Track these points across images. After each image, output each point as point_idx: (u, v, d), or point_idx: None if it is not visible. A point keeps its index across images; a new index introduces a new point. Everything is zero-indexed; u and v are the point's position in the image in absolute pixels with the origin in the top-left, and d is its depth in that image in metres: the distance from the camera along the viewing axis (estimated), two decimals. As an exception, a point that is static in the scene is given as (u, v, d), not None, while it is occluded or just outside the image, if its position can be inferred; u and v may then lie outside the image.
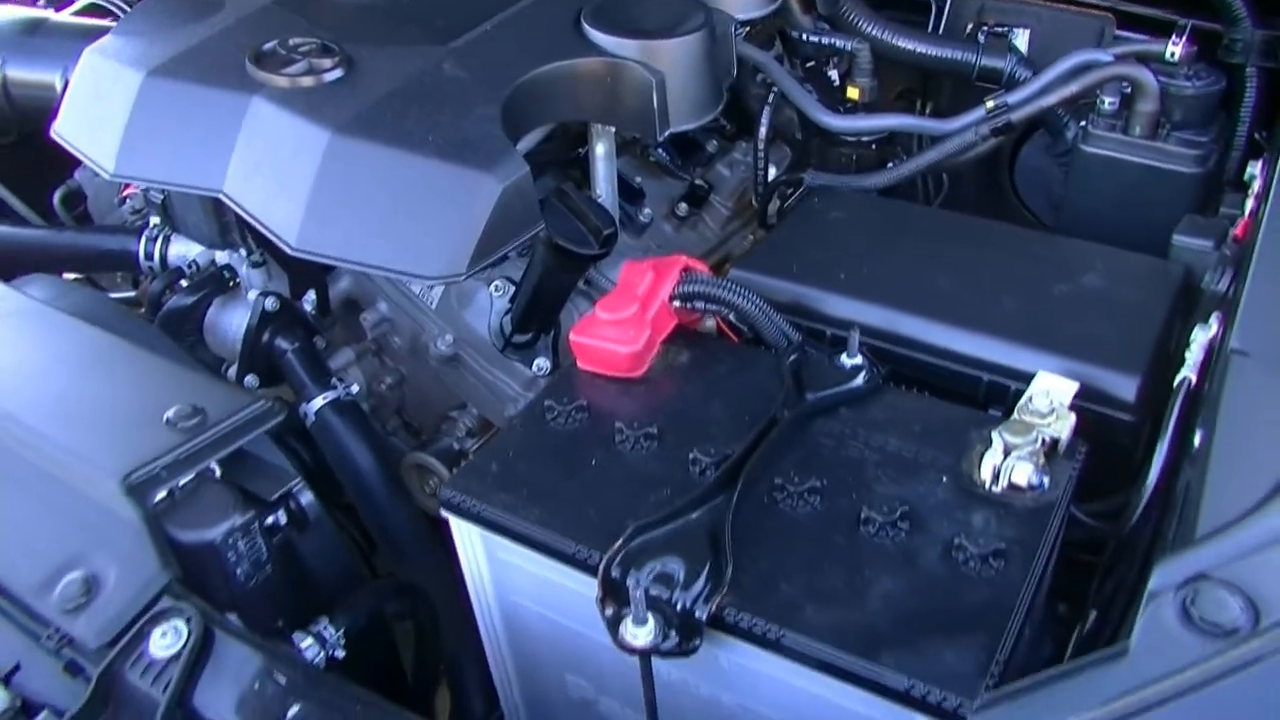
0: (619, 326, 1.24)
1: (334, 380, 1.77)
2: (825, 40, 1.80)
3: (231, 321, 1.87)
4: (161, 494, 1.10)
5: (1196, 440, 1.04)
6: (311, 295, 1.81)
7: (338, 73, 1.48)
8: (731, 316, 1.30)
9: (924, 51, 1.88)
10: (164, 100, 1.53)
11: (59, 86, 1.81)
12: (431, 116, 1.38)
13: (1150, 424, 1.25)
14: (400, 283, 1.78)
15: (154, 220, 1.96)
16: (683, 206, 1.95)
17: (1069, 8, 2.01)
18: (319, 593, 1.23)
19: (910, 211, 1.56)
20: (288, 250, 1.39)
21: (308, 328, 1.83)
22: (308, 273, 1.81)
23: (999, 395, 1.29)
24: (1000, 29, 2.01)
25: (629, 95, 1.49)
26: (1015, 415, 1.13)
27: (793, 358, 1.25)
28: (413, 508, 1.70)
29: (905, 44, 1.88)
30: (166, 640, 0.96)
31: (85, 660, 1.02)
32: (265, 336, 1.80)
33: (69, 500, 1.11)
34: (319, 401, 1.73)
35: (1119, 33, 1.95)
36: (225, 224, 1.72)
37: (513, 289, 1.66)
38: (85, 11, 2.03)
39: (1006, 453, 1.09)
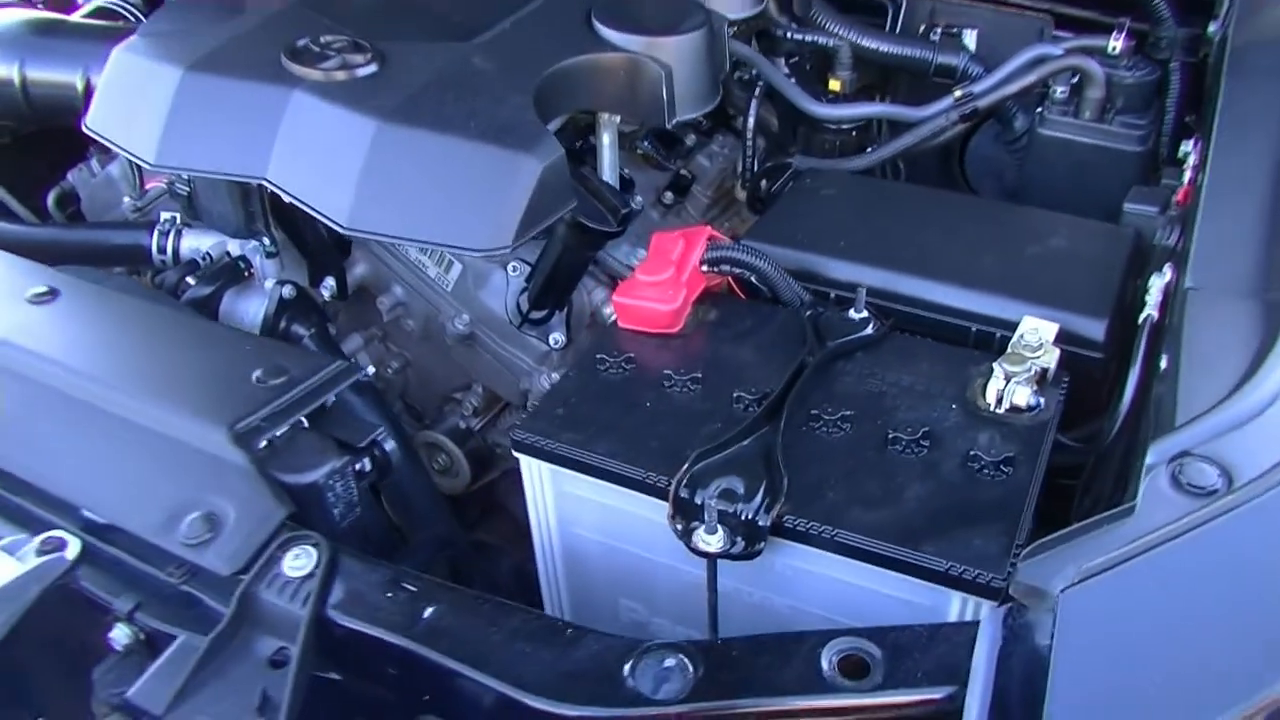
0: (659, 288, 1.39)
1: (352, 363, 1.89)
2: (809, 38, 1.98)
3: (248, 309, 1.96)
4: (263, 443, 1.21)
5: (1163, 364, 1.23)
6: (330, 282, 1.92)
7: (372, 67, 1.60)
8: (753, 278, 1.46)
9: (887, 50, 2.07)
10: (204, 94, 1.63)
11: (80, 86, 1.88)
12: (469, 104, 1.52)
13: (1114, 363, 1.45)
14: (416, 267, 1.90)
15: (165, 215, 2.05)
16: (668, 195, 2.10)
17: (1011, 10, 2.22)
18: (399, 534, 1.35)
19: (893, 188, 1.75)
20: (339, 229, 1.50)
21: (322, 314, 1.94)
22: (326, 260, 1.92)
23: (986, 341, 1.46)
24: (951, 29, 2.21)
25: (642, 87, 1.65)
26: (1010, 350, 1.31)
27: (809, 312, 1.42)
28: (431, 482, 1.82)
29: (869, 43, 2.07)
30: (300, 562, 1.07)
31: (206, 594, 1.13)
32: (283, 323, 1.90)
33: (178, 453, 1.21)
34: (340, 382, 1.84)
35: (1056, 32, 2.18)
36: (251, 213, 1.83)
37: (527, 270, 1.79)
38: (94, 15, 2.11)
39: (1007, 380, 1.27)
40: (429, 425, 2.06)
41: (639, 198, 2.04)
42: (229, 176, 1.64)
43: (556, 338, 1.79)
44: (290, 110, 1.57)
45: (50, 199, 2.38)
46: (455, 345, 1.90)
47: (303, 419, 1.27)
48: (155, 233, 2.02)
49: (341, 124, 1.53)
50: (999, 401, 1.27)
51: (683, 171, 2.11)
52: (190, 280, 1.94)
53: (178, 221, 2.02)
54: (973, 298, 1.48)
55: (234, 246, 1.95)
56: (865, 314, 1.42)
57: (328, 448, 1.23)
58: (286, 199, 1.56)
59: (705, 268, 1.44)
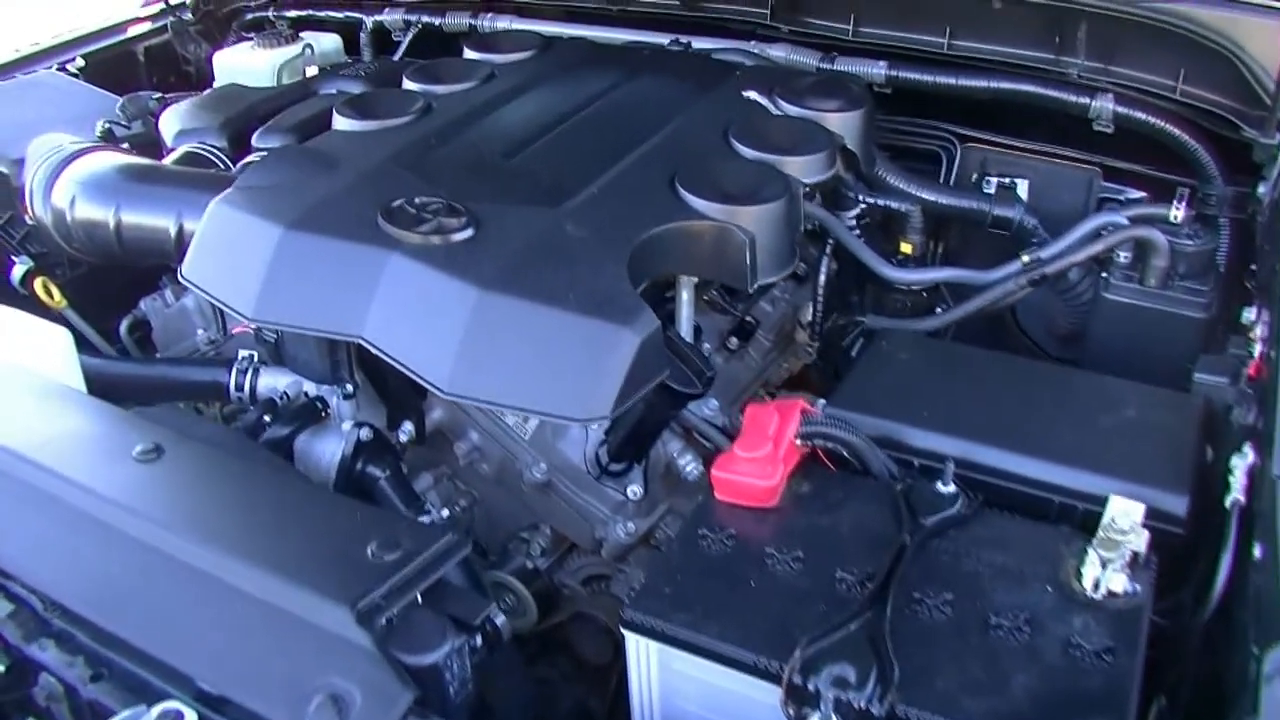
0: (757, 464, 1.44)
1: (426, 506, 1.92)
2: (880, 201, 2.06)
3: (324, 450, 2.00)
4: (382, 621, 1.24)
5: (1257, 552, 1.27)
6: (409, 426, 1.96)
7: (468, 232, 1.67)
8: (844, 451, 1.51)
9: (946, 203, 2.15)
10: (303, 252, 1.69)
11: (173, 230, 1.95)
12: (567, 273, 1.58)
13: (1194, 535, 1.48)
14: (494, 415, 1.95)
15: (243, 353, 2.10)
16: (733, 341, 2.16)
17: (1061, 162, 2.32)
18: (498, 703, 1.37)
19: (967, 354, 1.80)
20: (440, 394, 1.55)
21: (397, 456, 1.98)
22: (405, 405, 1.97)
23: (1069, 514, 1.50)
24: (1003, 179, 2.30)
25: (727, 253, 1.71)
26: (1101, 533, 1.35)
27: (900, 486, 1.47)
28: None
29: (930, 196, 2.15)
30: (430, 751, 1.10)
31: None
32: (359, 465, 1.94)
33: (296, 628, 1.24)
34: (415, 526, 1.88)
35: (1106, 183, 2.26)
36: (336, 361, 1.88)
37: (609, 422, 1.83)
38: (183, 160, 2.18)
39: (1103, 565, 1.31)
40: (495, 564, 2.08)
41: (706, 345, 2.11)
42: (327, 334, 1.69)
43: (635, 490, 1.83)
44: (388, 272, 1.63)
45: (123, 326, 2.44)
46: (530, 491, 1.93)
47: (418, 595, 1.30)
48: (233, 371, 2.07)
49: (442, 290, 1.58)
50: (1095, 587, 1.30)
51: (747, 318, 2.17)
52: (267, 418, 2.00)
53: (255, 360, 2.08)
54: (1054, 470, 1.52)
55: (310, 386, 2.00)
56: (954, 488, 1.46)
57: (445, 626, 1.26)
58: (385, 359, 1.61)
59: (800, 441, 1.49)
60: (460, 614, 1.31)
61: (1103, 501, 1.42)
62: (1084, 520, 1.47)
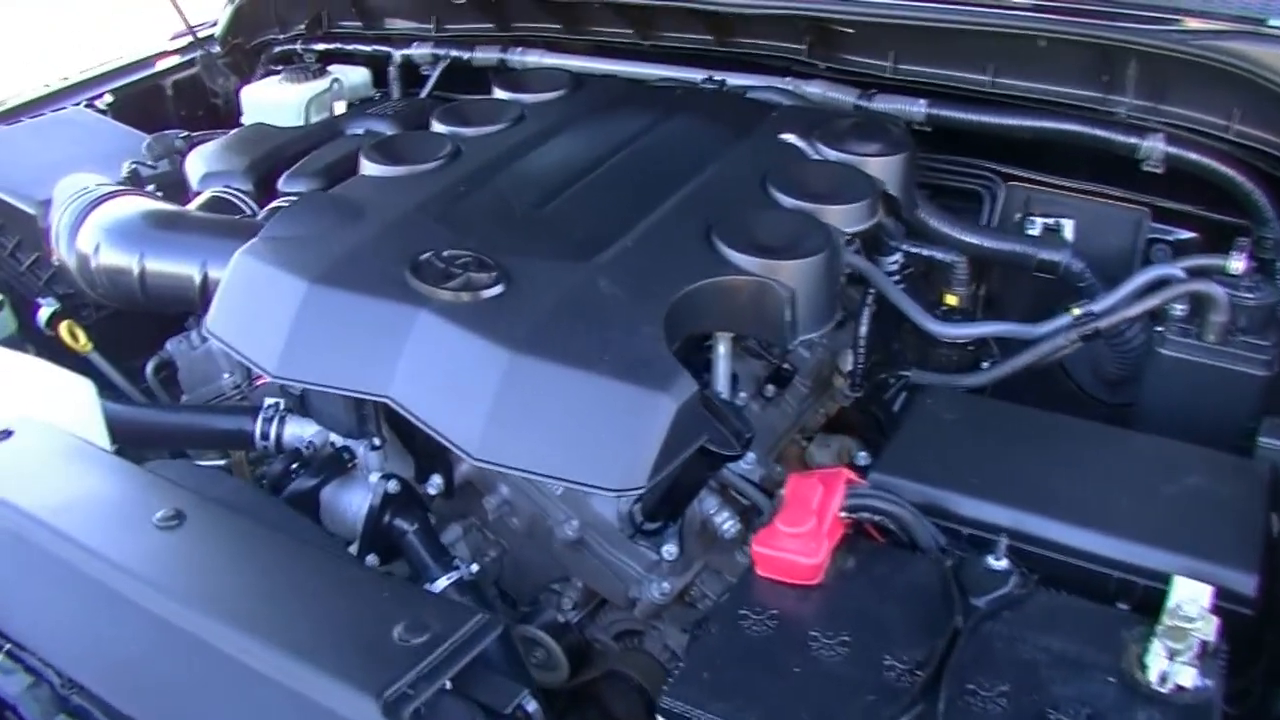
0: (801, 540, 1.37)
1: (455, 560, 1.87)
2: (924, 252, 2.00)
3: (350, 502, 1.96)
4: (410, 710, 1.18)
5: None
6: (437, 480, 1.91)
7: (498, 288, 1.61)
8: (890, 525, 1.44)
9: (990, 246, 2.07)
10: (328, 308, 1.65)
11: (197, 279, 1.91)
12: (601, 335, 1.52)
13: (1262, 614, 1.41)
14: (524, 471, 1.89)
15: (269, 401, 2.06)
16: (770, 388, 2.09)
17: (1108, 201, 2.24)
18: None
19: (1018, 414, 1.72)
20: (468, 459, 1.50)
21: (424, 508, 1.94)
22: (434, 459, 1.92)
23: (1127, 591, 1.43)
24: (1047, 219, 2.23)
25: (766, 310, 1.65)
26: (1167, 620, 1.27)
27: (950, 562, 1.40)
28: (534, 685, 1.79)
29: (972, 239, 2.08)
30: None
31: None
32: (387, 517, 1.90)
33: (320, 718, 1.19)
34: (443, 582, 1.83)
35: (1154, 225, 2.18)
36: (363, 415, 1.82)
37: (644, 488, 1.78)
38: (208, 204, 2.15)
39: (1170, 656, 1.23)
40: (525, 616, 2.03)
41: (743, 394, 2.04)
42: (352, 393, 1.64)
43: (670, 550, 1.76)
44: (416, 331, 1.58)
45: (149, 367, 2.41)
46: (561, 548, 1.87)
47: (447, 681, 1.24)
48: (259, 419, 2.03)
49: (471, 350, 1.53)
50: (1162, 680, 1.23)
51: (784, 365, 2.11)
52: (293, 468, 1.96)
53: (281, 408, 2.04)
54: (1112, 544, 1.45)
55: (336, 436, 1.96)
56: (1006, 563, 1.39)
57: (475, 715, 1.21)
58: (412, 420, 1.56)
59: (844, 514, 1.43)
60: (492, 701, 1.25)
61: (1164, 578, 1.35)
62: (1144, 598, 1.40)
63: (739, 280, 1.64)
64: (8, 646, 1.37)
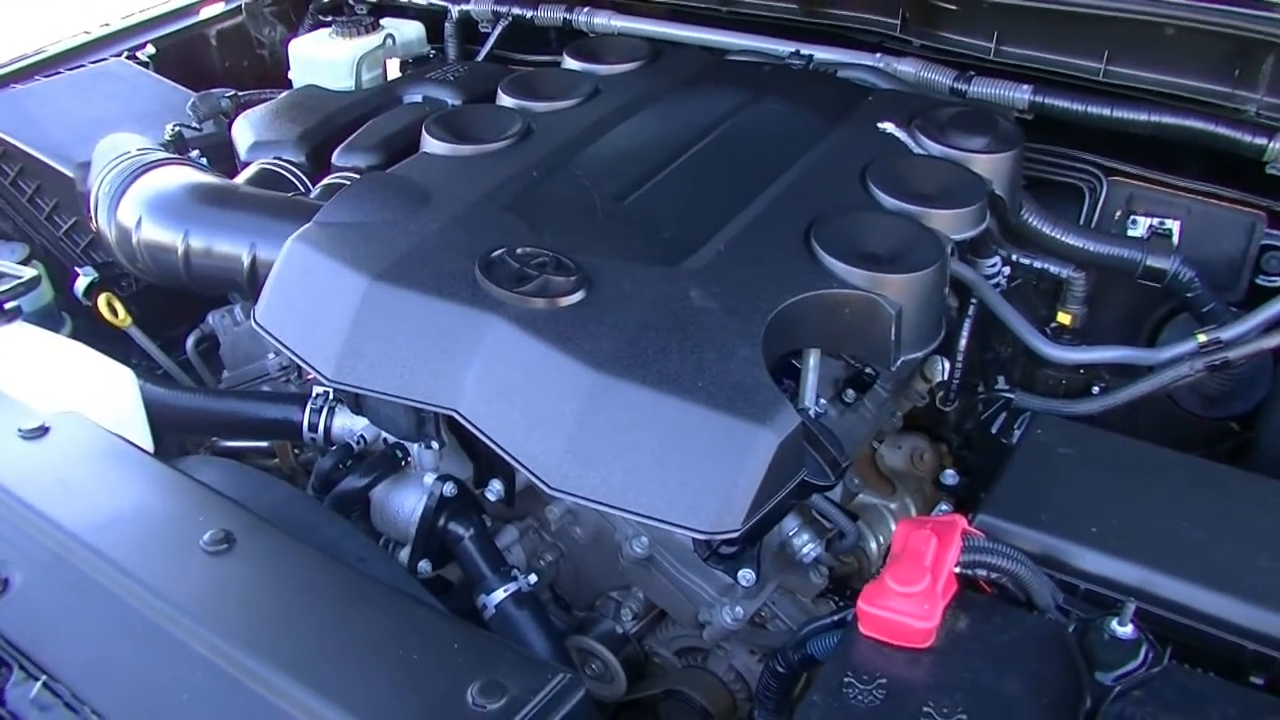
0: (913, 600, 1.24)
1: (513, 571, 1.76)
2: (1039, 264, 1.84)
3: (404, 503, 1.85)
4: (489, 788, 1.08)
5: None
6: (498, 486, 1.79)
7: (579, 295, 1.48)
8: (1008, 582, 1.31)
9: (1094, 250, 1.92)
10: (391, 309, 1.52)
11: (246, 261, 1.78)
12: (695, 356, 1.38)
13: None
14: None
15: (318, 390, 1.94)
16: (849, 393, 1.96)
17: (1220, 203, 2.06)
18: None
19: (1142, 452, 1.58)
20: (544, 490, 1.37)
21: (481, 512, 1.82)
22: (495, 464, 1.79)
23: (1265, 666, 1.30)
24: (1152, 218, 2.06)
25: (870, 328, 1.51)
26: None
27: (1072, 627, 1.27)
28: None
29: (1076, 242, 1.92)
30: None
31: None
32: (442, 521, 1.79)
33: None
34: (500, 594, 1.72)
35: (1269, 230, 2.01)
36: (423, 418, 1.70)
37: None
38: (257, 178, 2.01)
39: (1333, 761, 1.11)
40: (581, 625, 1.92)
41: (822, 400, 1.91)
42: (416, 404, 1.51)
43: (747, 575, 1.64)
44: (489, 340, 1.46)
45: (190, 341, 2.30)
46: (628, 564, 1.76)
47: (525, 751, 1.13)
48: (307, 410, 1.92)
49: (550, 367, 1.40)
50: (1326, 787, 1.11)
51: (866, 370, 1.96)
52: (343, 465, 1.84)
53: (330, 398, 1.92)
54: (1249, 612, 1.32)
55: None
56: (1133, 630, 1.26)
57: (556, 794, 1.09)
58: (484, 440, 1.43)
59: (960, 569, 1.29)
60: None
61: (1309, 654, 1.22)
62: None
63: (842, 294, 1.49)
64: (44, 679, 1.26)
